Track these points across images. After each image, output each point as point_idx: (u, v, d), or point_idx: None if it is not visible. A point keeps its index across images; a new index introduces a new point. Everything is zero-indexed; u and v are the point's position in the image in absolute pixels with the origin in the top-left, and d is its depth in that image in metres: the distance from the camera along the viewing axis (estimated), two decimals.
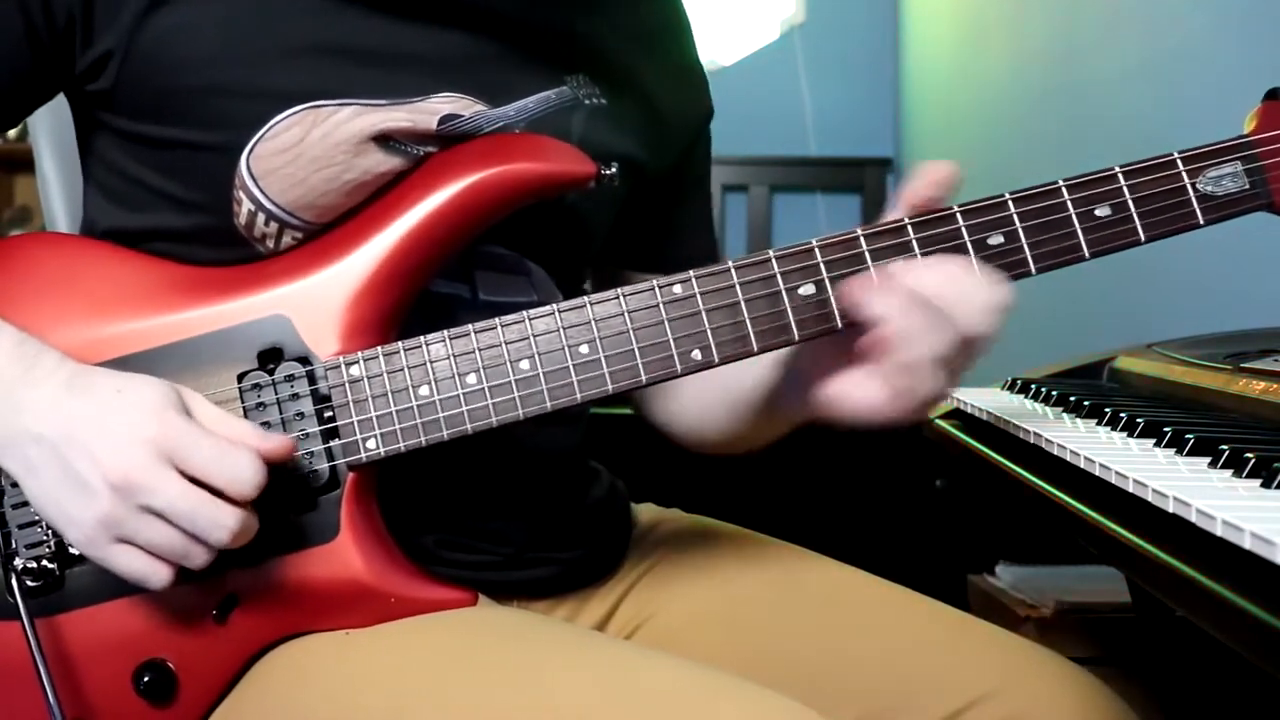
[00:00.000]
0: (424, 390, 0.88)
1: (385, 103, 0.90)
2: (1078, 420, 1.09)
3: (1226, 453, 0.85)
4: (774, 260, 0.88)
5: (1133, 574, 0.91)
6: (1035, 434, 1.01)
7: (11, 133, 2.54)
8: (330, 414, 0.88)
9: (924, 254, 0.88)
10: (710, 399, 1.08)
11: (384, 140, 0.90)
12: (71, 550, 0.86)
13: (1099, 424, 1.04)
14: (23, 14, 0.89)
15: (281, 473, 0.85)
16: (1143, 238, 0.89)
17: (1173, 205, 0.89)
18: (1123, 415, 1.01)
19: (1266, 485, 0.79)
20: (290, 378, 0.88)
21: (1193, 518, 0.73)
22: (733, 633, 1.03)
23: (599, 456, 1.14)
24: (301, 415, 0.88)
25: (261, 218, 0.91)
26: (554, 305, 0.88)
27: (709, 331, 0.88)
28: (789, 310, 0.88)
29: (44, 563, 0.87)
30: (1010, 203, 0.89)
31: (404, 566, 0.90)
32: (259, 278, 0.90)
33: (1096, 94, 2.36)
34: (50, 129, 1.26)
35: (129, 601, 0.87)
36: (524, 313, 0.88)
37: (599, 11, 1.01)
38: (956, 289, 0.84)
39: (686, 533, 1.15)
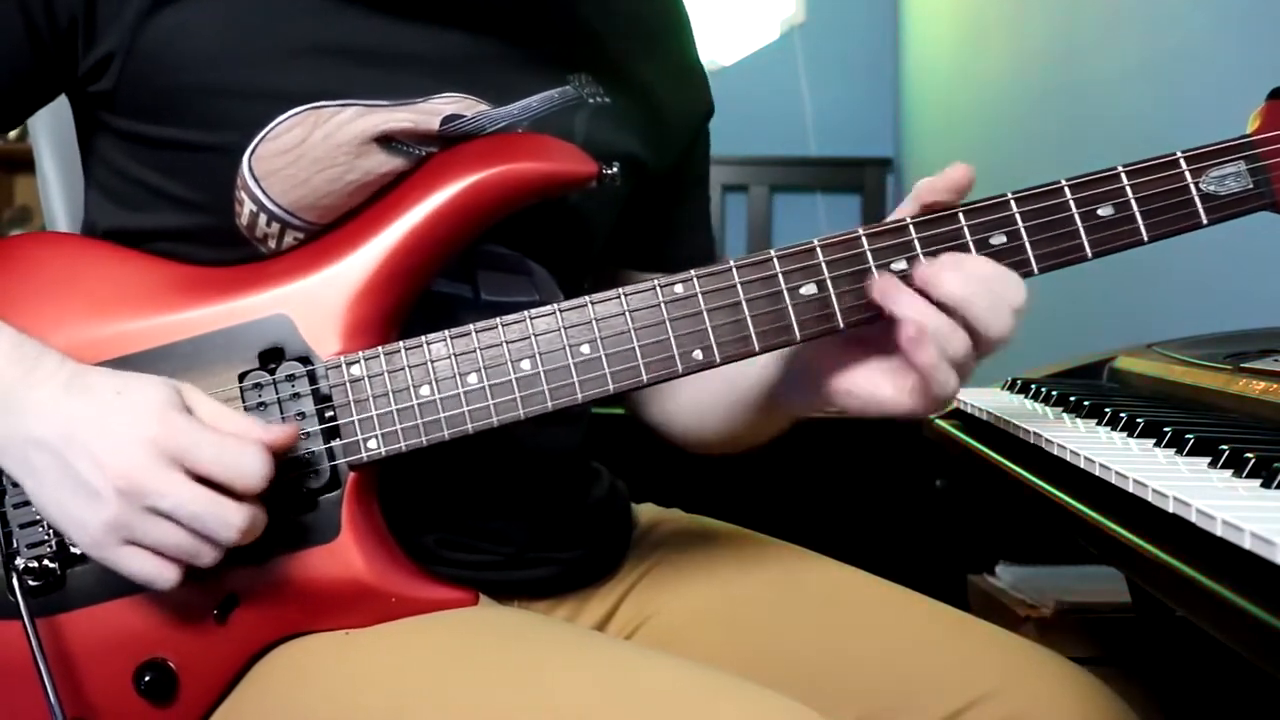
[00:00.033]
0: (425, 390, 0.88)
1: (387, 103, 0.90)
2: (1078, 420, 1.09)
3: (1226, 453, 0.85)
4: (775, 260, 0.89)
5: (1133, 574, 0.91)
6: (1035, 434, 1.01)
7: (11, 133, 2.54)
8: (331, 414, 0.88)
9: (926, 254, 0.88)
10: (708, 398, 1.08)
11: (386, 141, 0.90)
12: (73, 549, 0.86)
13: (1099, 424, 1.05)
14: (24, 15, 0.89)
15: (283, 473, 0.85)
16: (1145, 238, 0.89)
17: (1176, 205, 0.89)
18: (1123, 415, 1.02)
19: (1266, 485, 0.79)
20: (291, 377, 0.88)
21: (1193, 518, 0.73)
22: (733, 633, 1.03)
23: (599, 456, 1.14)
24: (302, 415, 0.88)
25: (263, 218, 0.91)
26: (555, 305, 0.88)
27: (710, 331, 0.88)
28: (790, 310, 0.88)
29: (45, 562, 0.87)
30: (1012, 202, 0.89)
31: (405, 566, 0.90)
32: (260, 277, 0.90)
33: (1096, 94, 2.36)
34: (50, 129, 1.26)
35: (130, 601, 0.87)
36: (525, 312, 0.88)
37: (601, 10, 1.01)
38: (987, 293, 0.85)
39: (687, 533, 1.15)
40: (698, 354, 0.88)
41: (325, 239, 0.91)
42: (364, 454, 0.88)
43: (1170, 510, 0.76)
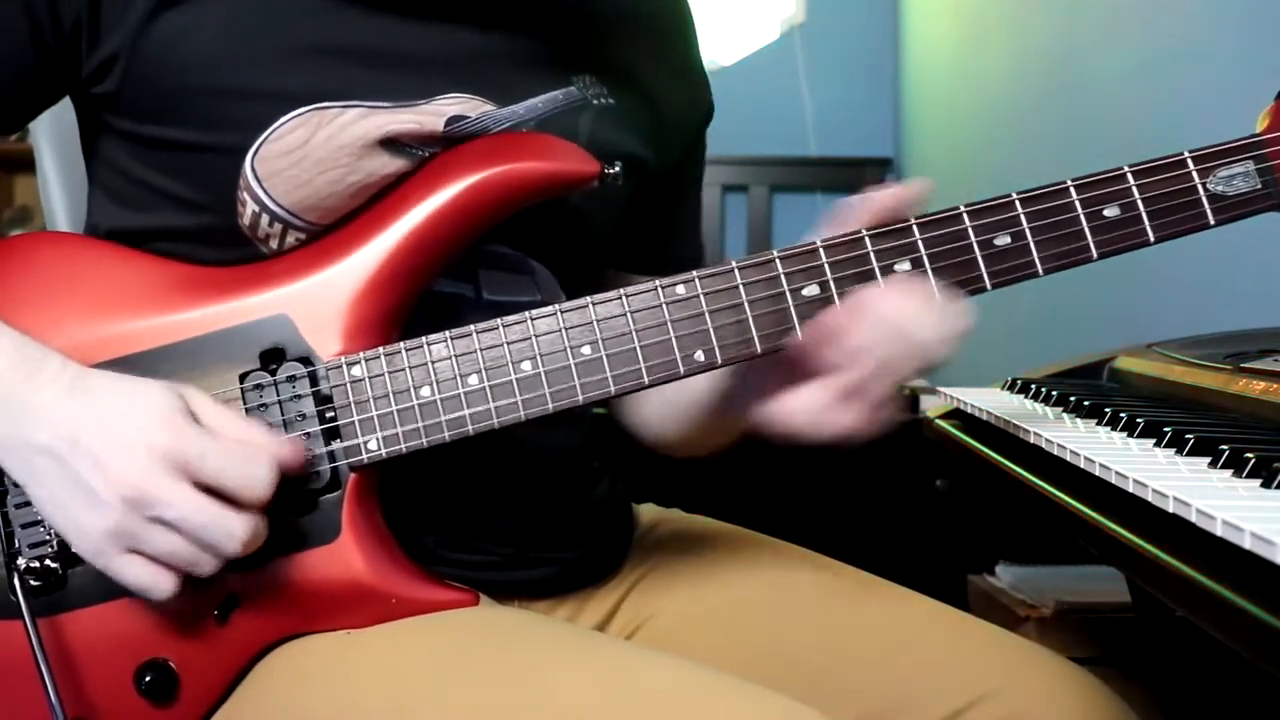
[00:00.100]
0: (426, 391, 0.88)
1: (391, 105, 0.90)
2: (1078, 420, 1.09)
3: (1226, 453, 0.85)
4: (778, 261, 0.88)
5: (1133, 574, 0.91)
6: (1035, 434, 1.01)
7: None
8: (332, 414, 0.88)
9: (928, 254, 0.88)
10: (665, 404, 1.09)
11: (390, 143, 0.90)
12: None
13: (1099, 424, 1.05)
14: (29, 17, 0.89)
15: (283, 474, 0.84)
16: (1152, 238, 0.89)
17: (1183, 205, 0.89)
18: (1123, 415, 1.02)
19: (1266, 485, 0.79)
20: (292, 378, 0.88)
21: (1193, 518, 0.73)
22: (733, 633, 1.03)
23: (600, 457, 1.14)
24: (303, 416, 0.88)
25: (266, 219, 0.91)
26: (556, 305, 0.88)
27: (712, 332, 0.88)
28: (792, 311, 0.88)
29: (47, 562, 0.87)
30: (1018, 203, 0.88)
31: (405, 567, 0.90)
32: (261, 278, 0.90)
33: (1096, 94, 2.36)
34: (51, 129, 1.26)
35: (131, 601, 0.87)
36: (526, 313, 0.88)
37: (612, 9, 1.01)
38: (928, 321, 0.86)
39: (687, 533, 1.15)
40: (699, 355, 0.88)
41: (327, 239, 0.91)
42: (364, 455, 0.88)
43: (1170, 510, 0.76)
